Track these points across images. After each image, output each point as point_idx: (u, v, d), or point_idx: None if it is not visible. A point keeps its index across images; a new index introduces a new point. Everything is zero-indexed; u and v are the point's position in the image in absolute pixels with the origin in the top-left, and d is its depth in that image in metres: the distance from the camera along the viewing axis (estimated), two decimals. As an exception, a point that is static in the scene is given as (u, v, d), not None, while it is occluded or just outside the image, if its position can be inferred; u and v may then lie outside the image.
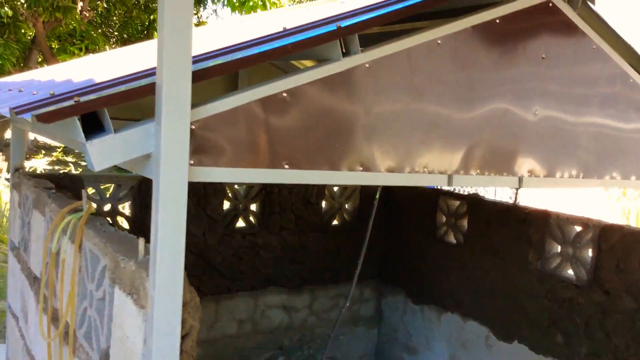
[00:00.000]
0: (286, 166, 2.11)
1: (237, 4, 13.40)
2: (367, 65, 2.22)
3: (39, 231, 3.38)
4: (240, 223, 5.13)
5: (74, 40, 13.52)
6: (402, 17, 2.25)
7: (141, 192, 4.61)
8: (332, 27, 2.21)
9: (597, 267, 4.04)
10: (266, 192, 5.14)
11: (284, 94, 2.08)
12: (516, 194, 6.73)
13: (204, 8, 17.00)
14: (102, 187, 4.49)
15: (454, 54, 2.41)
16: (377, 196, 4.37)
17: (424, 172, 2.40)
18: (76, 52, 12.93)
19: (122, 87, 1.85)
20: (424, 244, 5.36)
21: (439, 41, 2.36)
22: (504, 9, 2.50)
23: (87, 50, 13.22)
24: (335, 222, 5.53)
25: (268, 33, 2.48)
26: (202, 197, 4.86)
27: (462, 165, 2.49)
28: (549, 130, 2.73)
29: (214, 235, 4.92)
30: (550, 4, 2.64)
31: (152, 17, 15.56)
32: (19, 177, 4.10)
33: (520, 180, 2.68)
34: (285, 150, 2.10)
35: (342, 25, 2.16)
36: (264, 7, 13.03)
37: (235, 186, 5.08)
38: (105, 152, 1.82)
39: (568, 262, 4.27)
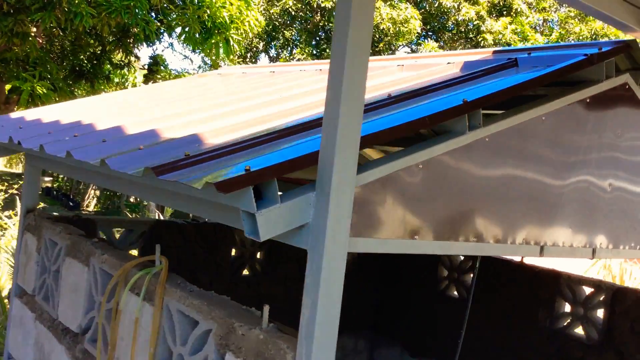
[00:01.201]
0: (416, 237, 2.12)
1: (199, 40, 13.26)
2: (487, 139, 2.28)
3: (77, 281, 3.20)
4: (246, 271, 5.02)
5: (27, 67, 13.04)
6: (522, 91, 2.34)
7: (153, 237, 4.45)
8: (455, 100, 2.27)
9: (610, 328, 4.20)
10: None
11: (420, 165, 2.10)
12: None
13: (159, 42, 16.80)
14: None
15: (554, 129, 2.50)
16: (477, 265, 4.41)
17: (522, 243, 2.46)
18: (29, 78, 12.48)
19: (288, 154, 1.82)
20: (423, 297, 5.41)
21: (543, 117, 2.45)
22: (594, 89, 2.63)
23: (41, 78, 12.78)
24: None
25: (374, 100, 2.51)
26: (212, 243, 4.74)
27: (552, 236, 2.57)
28: (619, 202, 2.86)
29: (221, 284, 4.80)
30: (627, 86, 2.80)
31: (106, 47, 15.22)
32: (35, 219, 3.87)
33: (594, 251, 2.79)
34: (418, 220, 2.11)
35: (468, 100, 2.21)
36: (227, 44, 13.00)
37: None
38: (271, 222, 1.77)
39: (578, 321, 4.42)
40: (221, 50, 13.13)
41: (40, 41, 13.13)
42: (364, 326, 5.75)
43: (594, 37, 24.09)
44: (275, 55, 26.09)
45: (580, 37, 24.01)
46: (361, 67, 1.81)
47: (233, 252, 4.93)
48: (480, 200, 2.29)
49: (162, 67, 17.90)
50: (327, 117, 1.81)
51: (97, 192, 19.00)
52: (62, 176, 24.13)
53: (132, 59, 16.73)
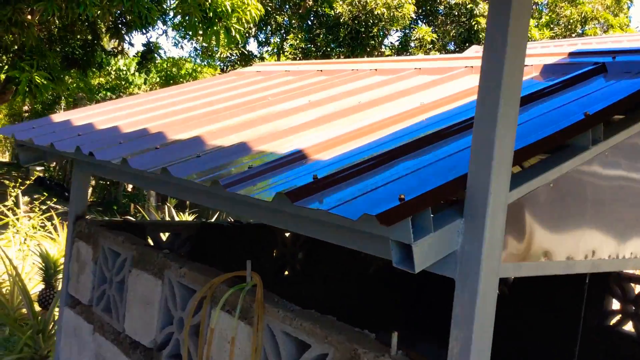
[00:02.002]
0: (543, 259, 2.07)
1: (200, 28, 13.01)
2: (606, 154, 2.22)
3: (147, 294, 3.10)
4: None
5: (23, 56, 12.77)
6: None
7: (199, 241, 4.35)
8: (571, 112, 2.21)
9: (662, 325, 4.21)
10: (312, 241, 5.01)
11: (551, 184, 2.04)
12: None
13: (153, 29, 16.50)
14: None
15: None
16: (587, 280, 4.36)
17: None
18: (27, 68, 12.24)
19: (434, 180, 1.75)
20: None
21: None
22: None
23: (39, 67, 12.53)
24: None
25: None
26: (256, 244, 4.66)
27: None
28: None
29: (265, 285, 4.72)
30: None
31: (99, 35, 14.92)
32: (88, 227, 3.76)
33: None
34: (548, 239, 2.06)
35: (591, 113, 2.15)
36: (228, 33, 12.79)
37: (286, 234, 4.91)
38: (425, 252, 1.70)
39: (629, 319, 4.43)
40: (221, 39, 12.93)
41: (36, 29, 12.84)
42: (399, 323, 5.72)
43: (583, 20, 24.16)
44: (264, 39, 25.85)
45: (571, 21, 24.09)
46: (517, 83, 1.73)
47: (274, 252, 4.86)
48: (599, 215, 2.24)
49: (156, 55, 17.59)
50: (479, 137, 1.73)
51: (93, 182, 18.75)
52: (53, 165, 23.78)
53: (126, 46, 16.47)
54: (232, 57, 25.92)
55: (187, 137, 2.85)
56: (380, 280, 5.43)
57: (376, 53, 23.71)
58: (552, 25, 24.81)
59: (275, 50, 24.82)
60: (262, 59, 26.97)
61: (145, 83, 23.41)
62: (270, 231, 4.73)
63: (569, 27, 23.81)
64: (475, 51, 17.78)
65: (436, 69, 3.59)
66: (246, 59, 25.90)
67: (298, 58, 22.57)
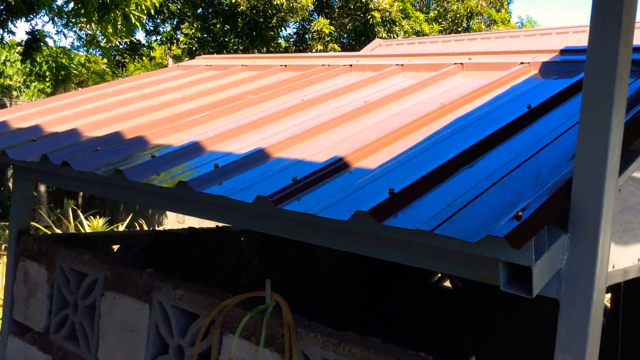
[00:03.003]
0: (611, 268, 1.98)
1: (95, 13, 12.10)
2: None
3: (130, 320, 2.74)
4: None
5: None
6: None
7: (154, 251, 3.97)
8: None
9: (616, 311, 4.36)
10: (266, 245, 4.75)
11: (619, 190, 1.95)
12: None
13: (38, 16, 15.27)
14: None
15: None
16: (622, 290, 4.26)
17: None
18: None
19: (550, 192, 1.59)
20: (415, 291, 5.35)
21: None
22: None
23: None
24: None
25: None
26: (213, 252, 4.34)
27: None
28: None
29: (223, 296, 4.42)
30: None
31: None
32: (38, 244, 3.29)
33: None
34: (615, 248, 1.97)
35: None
36: (126, 20, 12.07)
37: (242, 238, 4.61)
38: (540, 273, 1.55)
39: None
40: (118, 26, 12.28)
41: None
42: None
43: (469, 15, 25.23)
44: (152, 28, 24.77)
45: (457, 15, 25.05)
46: (625, 84, 1.60)
47: (231, 259, 4.55)
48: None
49: (42, 44, 16.34)
50: (588, 143, 1.59)
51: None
52: None
53: (6, 34, 15.20)
54: (120, 46, 24.71)
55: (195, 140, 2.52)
56: (332, 281, 5.27)
57: (274, 45, 23.47)
58: (440, 20, 25.66)
59: (165, 40, 23.87)
60: (150, 48, 25.87)
61: (30, 74, 21.67)
62: (226, 237, 4.42)
63: (456, 21, 24.76)
64: (379, 44, 17.87)
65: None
66: (134, 49, 24.74)
67: (194, 48, 21.86)
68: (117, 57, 24.12)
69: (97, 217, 9.08)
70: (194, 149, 2.52)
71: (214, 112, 3.03)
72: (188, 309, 2.55)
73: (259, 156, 2.32)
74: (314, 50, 22.73)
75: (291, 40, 24.72)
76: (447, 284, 5.23)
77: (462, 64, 3.30)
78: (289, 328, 2.21)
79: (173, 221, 13.94)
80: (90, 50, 23.10)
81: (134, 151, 2.58)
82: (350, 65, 3.73)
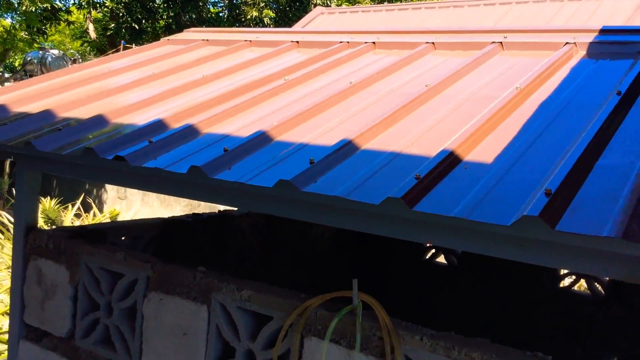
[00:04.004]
0: None
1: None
2: None
3: (184, 324, 2.54)
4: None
5: None
6: None
7: (163, 241, 3.73)
8: None
9: (617, 283, 4.50)
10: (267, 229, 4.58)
11: None
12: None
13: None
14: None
15: None
16: None
17: None
18: None
19: None
20: (409, 266, 5.33)
21: None
22: None
23: None
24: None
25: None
26: (219, 238, 4.13)
27: None
28: None
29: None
30: None
31: None
32: (53, 240, 2.99)
33: None
34: None
35: None
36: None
37: (243, 223, 4.41)
38: None
39: (581, 279, 4.68)
40: None
41: None
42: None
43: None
44: None
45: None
46: None
47: (235, 244, 4.36)
48: None
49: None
50: None
51: None
52: None
53: None
54: (37, 11, 23.25)
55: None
56: (329, 261, 5.17)
57: (205, 10, 22.69)
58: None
59: (86, 4, 22.55)
60: (68, 12, 24.46)
61: None
62: (230, 222, 4.22)
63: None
64: (320, 13, 17.57)
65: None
66: (54, 14, 23.28)
67: (121, 14, 20.81)
68: (38, 25, 22.68)
69: (48, 197, 8.55)
70: (264, 140, 2.32)
71: (257, 96, 2.82)
72: (258, 310, 2.38)
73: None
74: (247, 17, 22.19)
75: (220, 5, 24.00)
76: (441, 259, 5.24)
77: (500, 42, 3.21)
78: (387, 331, 2.09)
79: (113, 197, 13.39)
80: (15, 16, 21.62)
81: (204, 144, 2.36)
82: (374, 43, 3.57)
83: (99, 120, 2.72)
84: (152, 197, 12.67)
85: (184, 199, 11.99)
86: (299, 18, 24.39)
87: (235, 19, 23.11)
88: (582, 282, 4.73)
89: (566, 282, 4.75)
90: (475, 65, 2.97)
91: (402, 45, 3.49)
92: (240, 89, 2.96)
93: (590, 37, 3.05)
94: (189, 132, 2.48)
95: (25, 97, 3.17)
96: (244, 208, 4.06)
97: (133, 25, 20.65)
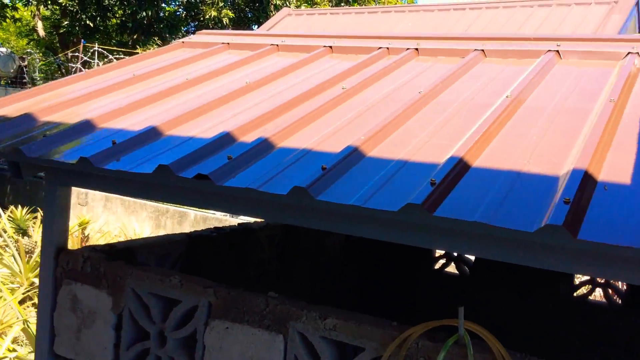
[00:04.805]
0: None
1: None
2: None
3: (255, 355, 2.34)
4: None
5: None
6: None
7: (190, 258, 3.50)
8: None
9: (633, 292, 4.50)
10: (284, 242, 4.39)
11: None
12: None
13: None
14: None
15: None
16: None
17: None
18: None
19: None
20: (417, 276, 5.22)
21: None
22: None
23: None
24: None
25: None
26: (241, 252, 3.92)
27: None
28: None
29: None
30: None
31: None
32: (91, 263, 2.73)
33: None
34: None
35: None
36: None
37: (262, 235, 4.21)
38: None
39: (597, 288, 4.67)
40: None
41: None
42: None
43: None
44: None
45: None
46: None
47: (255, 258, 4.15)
48: None
49: None
50: None
51: None
52: None
53: None
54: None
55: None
56: (336, 269, 5.01)
57: (162, 9, 22.16)
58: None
59: (33, 1, 21.63)
60: (14, 8, 23.49)
61: None
62: (250, 235, 4.01)
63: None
64: (287, 14, 17.36)
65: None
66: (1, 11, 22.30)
67: (75, 10, 20.04)
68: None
69: (19, 206, 8.05)
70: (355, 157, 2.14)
71: (320, 107, 2.64)
72: (345, 340, 2.21)
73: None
74: (206, 16, 21.76)
75: (177, 3, 23.47)
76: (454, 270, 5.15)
77: (558, 51, 3.12)
78: (504, 362, 1.95)
79: (73, 203, 12.84)
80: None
81: (280, 158, 2.17)
82: (417, 50, 3.43)
83: (152, 133, 2.49)
84: (116, 202, 12.21)
85: (150, 205, 11.59)
86: (258, 18, 24.13)
87: (193, 18, 22.65)
88: (599, 291, 4.72)
89: (582, 291, 4.73)
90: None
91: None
92: (299, 97, 2.77)
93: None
94: (265, 146, 2.28)
95: (47, 107, 2.89)
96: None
97: (87, 22, 19.92)
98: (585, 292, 4.73)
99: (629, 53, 2.94)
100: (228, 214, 10.95)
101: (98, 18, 20.64)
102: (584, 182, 1.77)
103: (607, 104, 2.32)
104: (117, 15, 21.69)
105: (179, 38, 23.95)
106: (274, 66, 3.43)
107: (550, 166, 1.93)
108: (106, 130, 2.59)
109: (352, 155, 2.12)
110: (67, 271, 2.79)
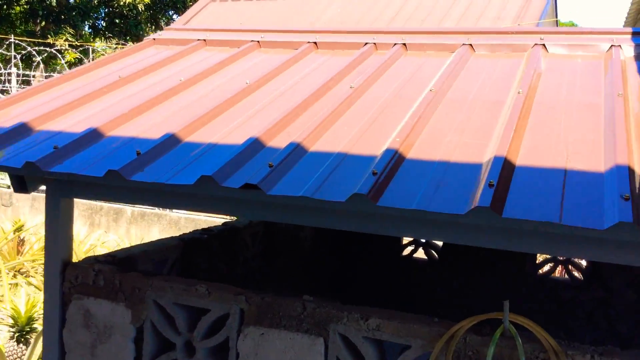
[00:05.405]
0: None
1: None
2: None
3: (291, 358, 2.34)
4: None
5: None
6: None
7: (185, 263, 3.43)
8: None
9: (595, 266, 4.79)
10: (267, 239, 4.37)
11: None
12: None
13: None
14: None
15: None
16: None
17: None
18: None
19: None
20: (386, 263, 5.33)
21: None
22: None
23: None
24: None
25: None
26: (231, 254, 3.87)
27: None
28: None
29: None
30: None
31: None
32: (102, 276, 2.63)
33: None
34: None
35: None
36: None
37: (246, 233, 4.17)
38: None
39: (559, 265, 4.94)
40: None
41: None
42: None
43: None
44: None
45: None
46: None
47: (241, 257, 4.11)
48: None
49: None
50: None
51: None
52: None
53: None
54: None
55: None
56: (309, 260, 5.04)
57: (76, -4, 21.21)
58: None
59: None
60: None
61: None
62: (236, 234, 3.97)
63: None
64: (210, 1, 16.98)
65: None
66: None
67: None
68: None
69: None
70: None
71: (338, 107, 2.64)
72: (390, 339, 2.24)
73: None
74: (120, 3, 20.93)
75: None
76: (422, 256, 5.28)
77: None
78: (554, 352, 2.05)
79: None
80: None
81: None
82: (404, 45, 3.48)
83: (173, 141, 2.41)
84: (43, 203, 11.66)
85: (82, 203, 11.15)
86: (175, 5, 23.48)
87: (106, 5, 21.75)
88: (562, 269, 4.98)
89: (545, 269, 4.98)
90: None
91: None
92: (310, 99, 2.76)
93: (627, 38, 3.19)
94: (298, 152, 2.27)
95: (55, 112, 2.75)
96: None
97: (-8, 11, 18.73)
98: (548, 269, 4.98)
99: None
100: (167, 209, 10.71)
101: (4, 5, 19.45)
102: (504, 167, 1.95)
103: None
104: (21, 3, 20.50)
105: (90, 26, 22.98)
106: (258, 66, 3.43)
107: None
108: (121, 138, 2.49)
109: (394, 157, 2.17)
110: (76, 286, 2.67)
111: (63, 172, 2.24)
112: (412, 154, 2.22)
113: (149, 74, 3.37)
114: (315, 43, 3.67)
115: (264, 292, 2.45)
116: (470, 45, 3.36)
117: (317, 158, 2.24)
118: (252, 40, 3.79)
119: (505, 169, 1.93)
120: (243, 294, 2.44)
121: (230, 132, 2.54)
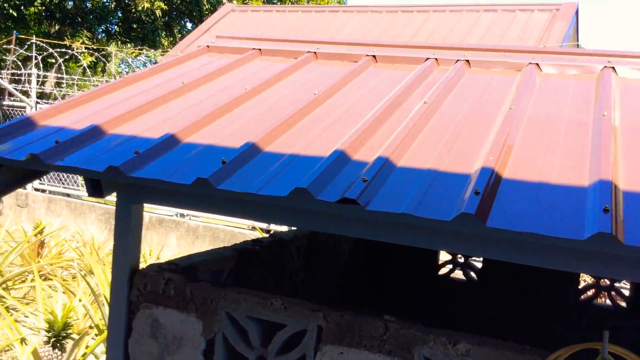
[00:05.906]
0: None
1: None
2: None
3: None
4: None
5: None
6: None
7: (239, 273, 3.37)
8: None
9: (638, 294, 4.72)
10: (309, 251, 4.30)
11: None
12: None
13: None
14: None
15: None
16: None
17: None
18: None
19: None
20: (422, 283, 5.26)
21: None
22: None
23: None
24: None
25: None
26: (279, 264, 3.81)
27: None
28: None
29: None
30: None
31: None
32: (173, 285, 2.56)
33: None
34: None
35: None
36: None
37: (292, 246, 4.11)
38: None
39: (602, 291, 4.86)
40: None
41: None
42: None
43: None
44: None
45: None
46: None
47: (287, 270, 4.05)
48: None
49: None
50: None
51: None
52: None
53: None
54: None
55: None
56: (355, 278, 4.97)
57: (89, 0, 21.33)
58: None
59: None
60: None
61: None
62: (285, 246, 3.91)
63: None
64: (231, 10, 17.14)
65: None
66: None
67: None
68: None
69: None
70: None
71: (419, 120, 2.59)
72: (478, 365, 2.18)
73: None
74: (139, 8, 21.02)
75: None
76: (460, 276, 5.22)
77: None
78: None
79: (10, 205, 12.13)
80: None
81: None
82: (467, 61, 3.44)
83: (254, 150, 2.36)
84: (60, 204, 11.62)
85: (100, 207, 11.10)
86: (191, 12, 23.58)
87: (124, 9, 21.83)
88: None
89: (587, 295, 4.90)
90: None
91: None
92: (386, 112, 2.70)
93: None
94: (387, 167, 2.22)
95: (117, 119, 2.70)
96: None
97: (10, 12, 18.79)
98: (590, 295, 4.90)
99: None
100: (186, 217, 10.64)
101: (22, 7, 19.52)
102: (491, 178, 1.96)
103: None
104: (37, 4, 20.57)
105: (104, 30, 23.02)
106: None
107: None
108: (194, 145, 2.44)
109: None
110: (144, 294, 2.61)
111: (148, 178, 2.18)
112: (507, 173, 2.17)
113: (211, 81, 3.33)
114: (374, 57, 3.63)
115: (342, 310, 2.39)
116: (537, 64, 3.32)
117: (408, 174, 2.18)
118: (309, 52, 3.75)
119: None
120: (320, 310, 2.37)
121: (309, 143, 2.49)
